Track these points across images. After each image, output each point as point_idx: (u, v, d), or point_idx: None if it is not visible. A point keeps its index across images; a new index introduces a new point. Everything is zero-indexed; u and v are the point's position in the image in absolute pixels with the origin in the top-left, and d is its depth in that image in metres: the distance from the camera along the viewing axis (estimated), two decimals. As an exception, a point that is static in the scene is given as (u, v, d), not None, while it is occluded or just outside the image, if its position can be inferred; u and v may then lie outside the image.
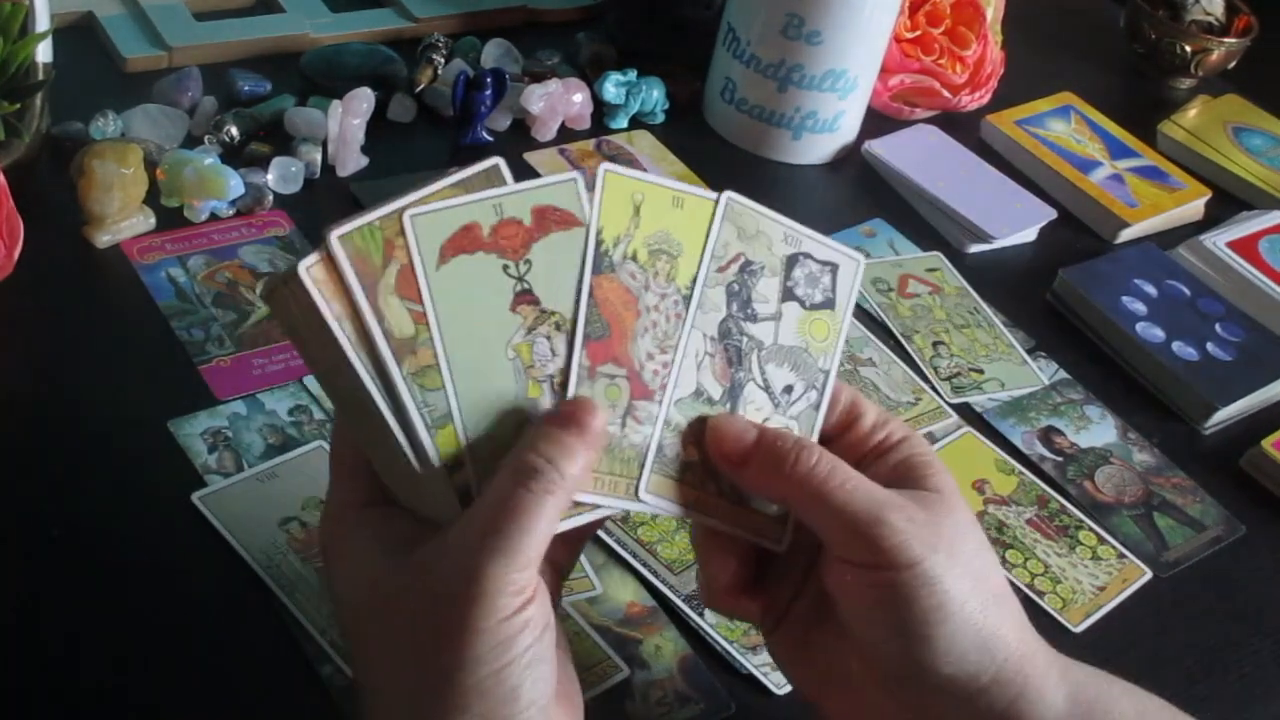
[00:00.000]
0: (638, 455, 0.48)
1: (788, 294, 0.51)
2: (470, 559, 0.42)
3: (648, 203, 0.48)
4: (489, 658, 0.41)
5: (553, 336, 0.47)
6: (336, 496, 0.48)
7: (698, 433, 0.49)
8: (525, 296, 0.46)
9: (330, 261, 0.44)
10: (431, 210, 0.45)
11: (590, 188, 0.48)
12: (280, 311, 0.45)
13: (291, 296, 0.44)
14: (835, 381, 0.52)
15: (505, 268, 0.46)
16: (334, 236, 0.44)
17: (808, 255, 0.51)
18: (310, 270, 0.44)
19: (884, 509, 0.46)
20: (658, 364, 0.48)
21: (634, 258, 0.48)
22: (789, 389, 0.51)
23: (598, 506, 0.47)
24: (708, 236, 0.49)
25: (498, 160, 0.47)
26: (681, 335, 0.49)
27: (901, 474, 0.49)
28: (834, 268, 0.52)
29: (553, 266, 0.47)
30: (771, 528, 0.50)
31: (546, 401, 0.46)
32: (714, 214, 0.50)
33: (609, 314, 0.47)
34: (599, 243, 0.47)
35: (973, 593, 0.46)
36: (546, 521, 0.43)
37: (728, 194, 0.50)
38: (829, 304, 0.52)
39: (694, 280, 0.49)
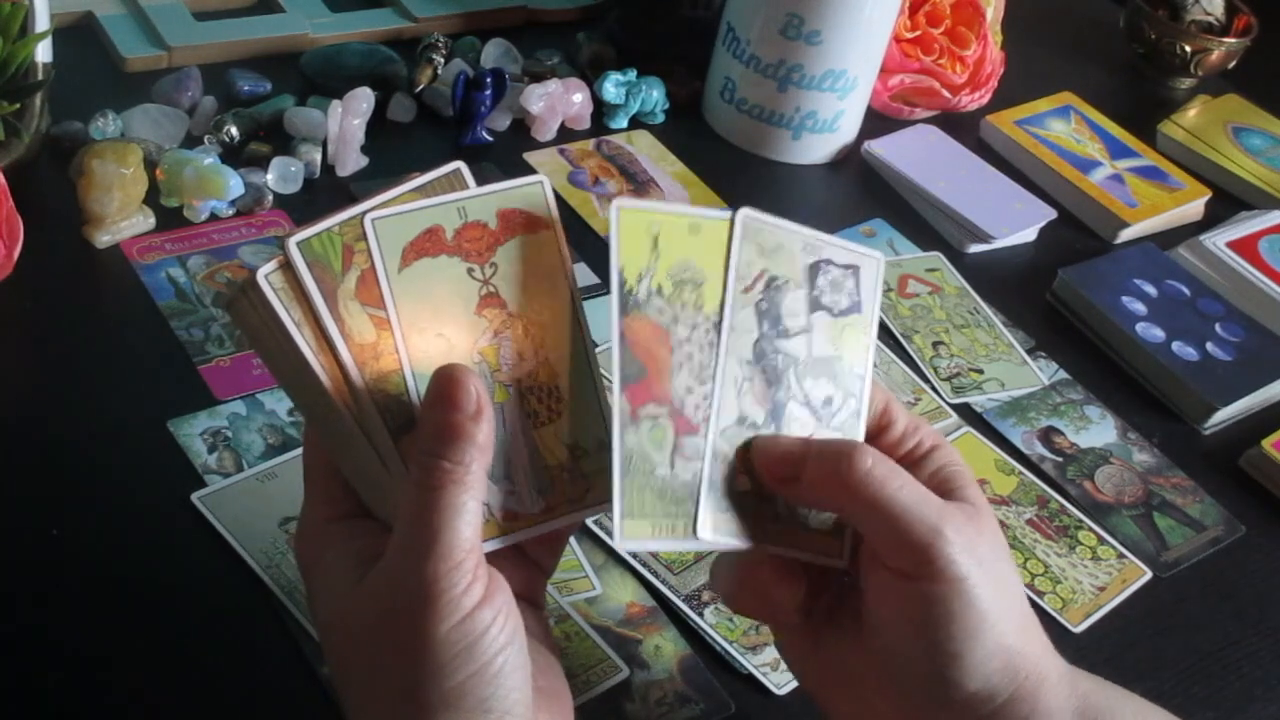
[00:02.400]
0: (690, 494, 0.46)
1: (815, 304, 0.50)
2: (402, 570, 0.42)
3: (664, 233, 0.46)
4: (451, 668, 0.41)
5: (519, 340, 0.46)
6: (309, 509, 0.47)
7: (746, 459, 0.48)
8: (491, 300, 0.46)
9: (290, 268, 0.44)
10: (393, 214, 0.45)
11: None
12: (242, 321, 0.45)
13: (251, 305, 0.44)
14: (870, 384, 0.51)
15: (470, 271, 0.46)
16: (292, 243, 0.44)
17: (829, 261, 0.50)
18: (269, 277, 0.43)
19: (941, 520, 0.45)
20: (698, 397, 0.47)
21: (659, 292, 0.46)
22: (829, 400, 0.50)
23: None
24: (729, 258, 0.48)
25: (459, 164, 0.47)
26: (717, 364, 0.47)
27: (937, 485, 0.48)
28: (855, 270, 0.51)
29: (519, 270, 0.46)
30: (830, 544, 0.49)
31: (514, 405, 0.46)
32: (732, 234, 0.48)
33: (642, 354, 0.46)
34: (622, 282, 0.45)
35: (1007, 612, 0.46)
36: (460, 514, 0.42)
37: (743, 211, 0.48)
38: (856, 308, 0.51)
39: (721, 305, 0.47)
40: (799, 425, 0.49)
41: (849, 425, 0.50)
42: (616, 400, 0.45)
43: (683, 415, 0.46)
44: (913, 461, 0.50)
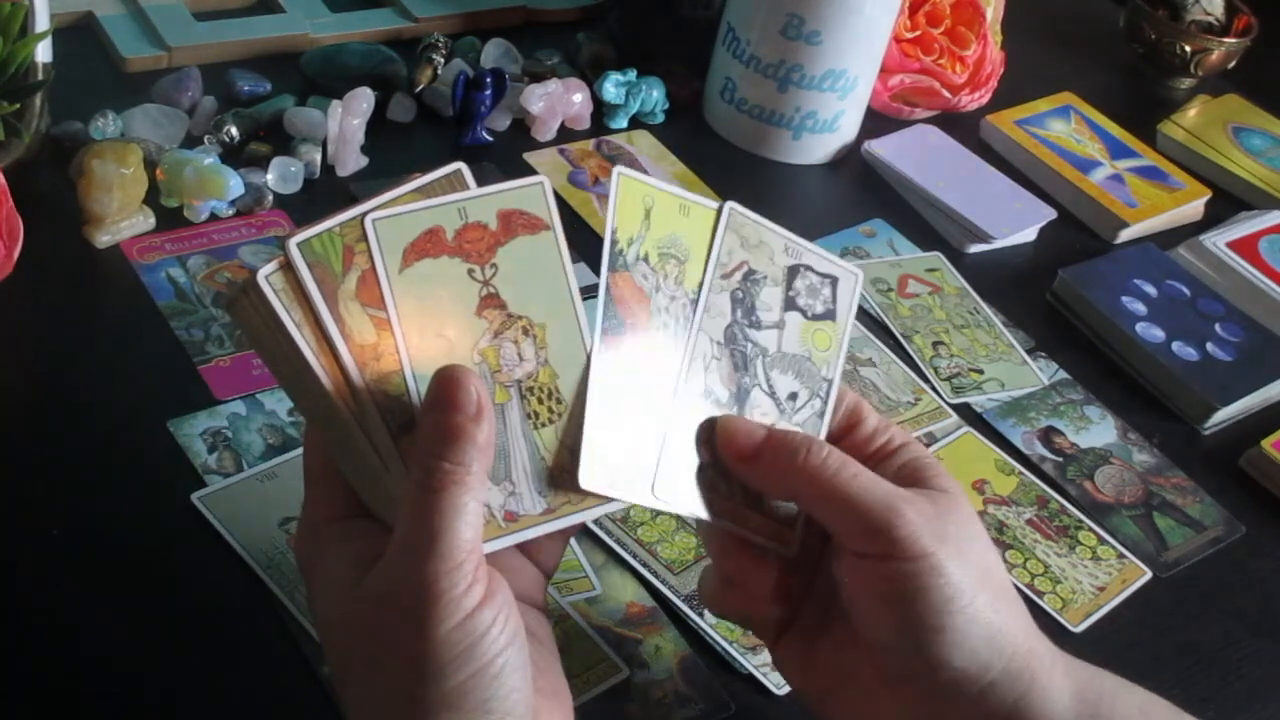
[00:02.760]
0: (652, 454, 0.48)
1: (790, 304, 0.52)
2: (403, 571, 0.42)
3: (657, 208, 0.49)
4: (451, 669, 0.41)
5: (520, 341, 0.47)
6: (309, 510, 0.47)
7: (708, 433, 0.49)
8: (491, 300, 0.46)
9: (290, 269, 0.44)
10: (394, 214, 0.45)
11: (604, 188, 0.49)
12: (242, 321, 0.45)
13: (252, 305, 0.44)
14: (838, 389, 0.52)
15: (470, 272, 0.46)
16: (292, 243, 0.44)
17: (808, 267, 0.52)
18: (269, 278, 0.43)
19: (896, 500, 0.47)
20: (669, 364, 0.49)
21: (645, 259, 0.49)
22: (794, 396, 0.51)
23: (611, 501, 0.47)
24: (712, 243, 0.50)
25: (460, 165, 0.47)
26: (690, 337, 0.49)
27: (907, 475, 0.49)
28: (834, 280, 0.53)
29: (520, 271, 0.47)
30: (781, 532, 0.50)
31: (514, 406, 0.46)
32: (717, 222, 0.50)
33: (624, 310, 0.48)
34: (614, 241, 0.48)
35: (981, 586, 0.47)
36: (460, 515, 0.42)
37: (730, 204, 0.51)
38: (830, 315, 0.52)
39: (700, 285, 0.50)
40: (761, 413, 0.51)
41: (811, 423, 0.51)
42: (596, 347, 0.47)
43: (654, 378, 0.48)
44: (882, 457, 0.51)
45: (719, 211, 0.50)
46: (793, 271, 0.52)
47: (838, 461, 0.48)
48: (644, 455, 0.48)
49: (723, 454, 0.49)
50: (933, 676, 0.47)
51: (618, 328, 0.48)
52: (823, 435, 0.51)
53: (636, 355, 0.48)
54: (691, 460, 0.49)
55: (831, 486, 0.47)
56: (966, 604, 0.46)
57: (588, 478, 0.47)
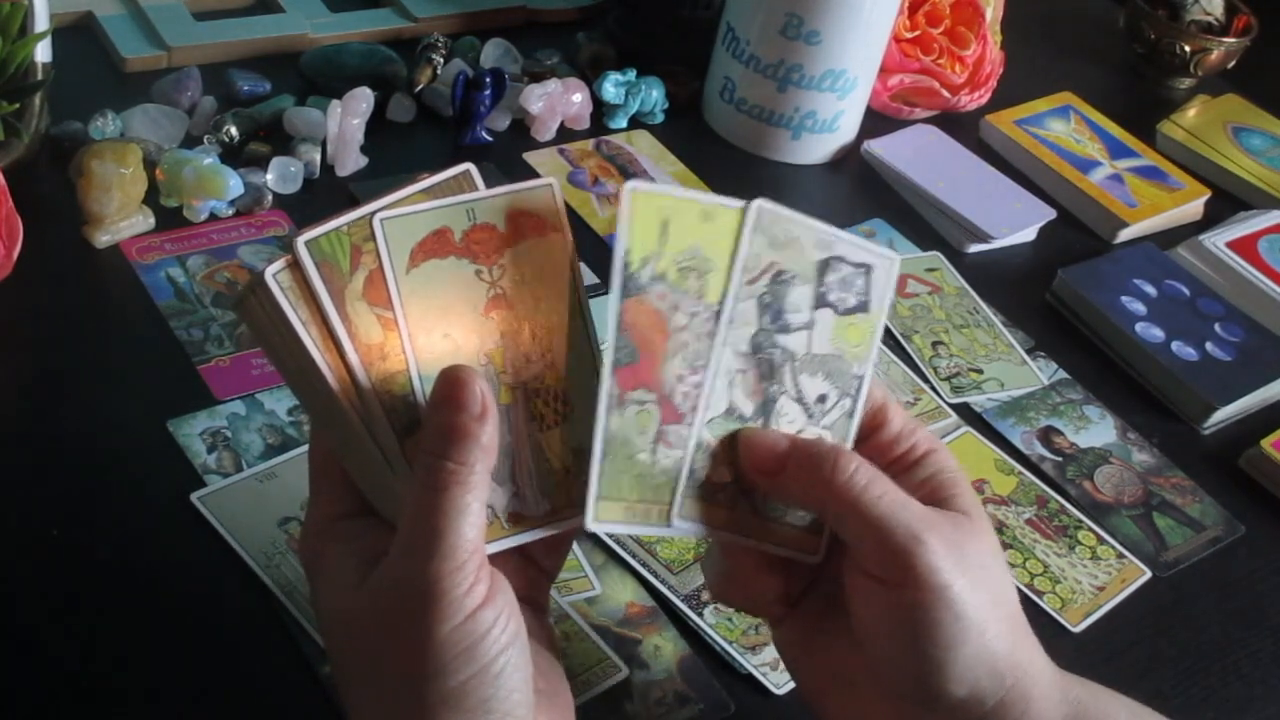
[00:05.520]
0: (669, 481, 0.47)
1: (820, 300, 0.49)
2: (405, 570, 0.42)
3: (675, 219, 0.46)
4: (453, 668, 0.41)
5: (526, 343, 0.46)
6: (314, 508, 0.47)
7: (730, 451, 0.48)
8: (498, 302, 0.46)
9: (298, 267, 0.44)
10: (402, 214, 0.45)
11: (611, 194, 0.47)
12: (249, 319, 0.45)
13: (259, 304, 0.44)
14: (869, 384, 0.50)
15: (478, 273, 0.46)
16: (300, 242, 0.43)
17: (840, 258, 0.49)
18: (277, 276, 0.43)
19: (922, 528, 0.45)
20: (688, 385, 0.47)
21: (663, 278, 0.46)
22: (823, 398, 0.49)
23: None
24: (737, 248, 0.47)
25: (468, 166, 0.46)
26: (712, 354, 0.47)
27: (929, 491, 0.48)
28: (868, 269, 0.50)
29: (527, 272, 0.46)
30: (806, 540, 0.49)
31: (520, 408, 0.46)
32: (744, 224, 0.47)
33: (638, 339, 0.46)
34: (625, 265, 0.45)
35: (992, 618, 0.46)
36: (463, 514, 0.42)
37: (759, 202, 0.47)
38: (863, 307, 0.50)
39: (724, 296, 0.47)
40: (788, 421, 0.49)
41: (840, 425, 0.50)
42: (605, 381, 0.45)
43: (671, 403, 0.47)
44: (906, 466, 0.49)
45: (744, 212, 0.47)
46: (824, 265, 0.49)
47: (865, 477, 0.46)
48: (660, 484, 0.47)
49: (745, 469, 0.48)
50: (931, 704, 0.46)
51: (630, 359, 0.46)
52: (851, 435, 0.50)
53: (652, 383, 0.46)
54: (712, 481, 0.48)
55: (858, 505, 0.45)
56: (974, 638, 0.45)
57: (596, 519, 0.46)
